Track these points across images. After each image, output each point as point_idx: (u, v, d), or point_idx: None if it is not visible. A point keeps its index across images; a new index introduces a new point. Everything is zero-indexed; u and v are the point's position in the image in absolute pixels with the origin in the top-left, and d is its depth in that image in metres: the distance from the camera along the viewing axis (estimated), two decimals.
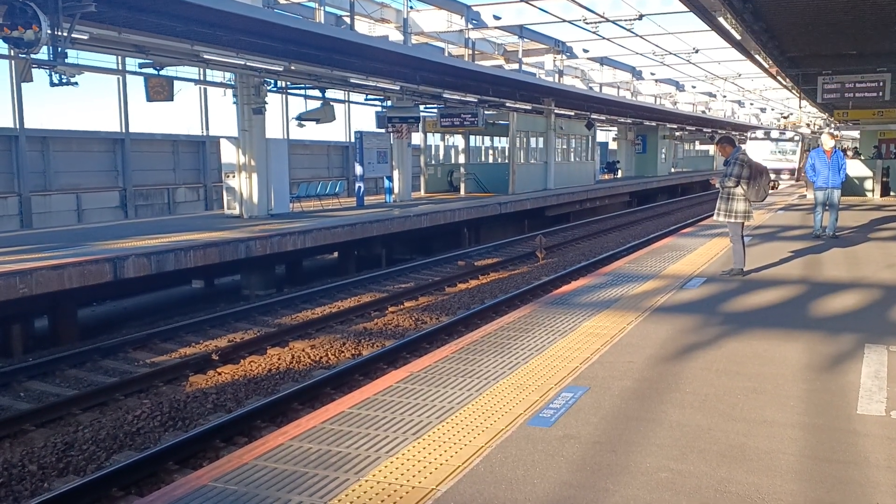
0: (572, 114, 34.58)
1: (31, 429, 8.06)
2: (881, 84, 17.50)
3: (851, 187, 22.51)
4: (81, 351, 10.78)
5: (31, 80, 12.61)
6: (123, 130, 23.40)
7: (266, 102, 18.75)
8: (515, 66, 31.79)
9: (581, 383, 5.47)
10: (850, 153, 29.02)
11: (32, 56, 11.60)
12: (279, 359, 10.54)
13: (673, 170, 49.90)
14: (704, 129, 53.26)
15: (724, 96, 51.79)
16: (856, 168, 23.66)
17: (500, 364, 5.94)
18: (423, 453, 4.25)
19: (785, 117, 45.64)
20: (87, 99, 26.25)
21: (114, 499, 6.45)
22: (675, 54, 32.97)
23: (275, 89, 20.91)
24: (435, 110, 27.22)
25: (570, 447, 4.34)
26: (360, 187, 23.67)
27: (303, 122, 21.80)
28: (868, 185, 24.13)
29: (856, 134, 38.59)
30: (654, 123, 44.63)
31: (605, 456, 4.23)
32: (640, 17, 23.40)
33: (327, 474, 3.99)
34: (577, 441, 4.43)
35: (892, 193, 23.70)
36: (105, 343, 11.17)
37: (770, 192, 10.60)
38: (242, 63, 16.71)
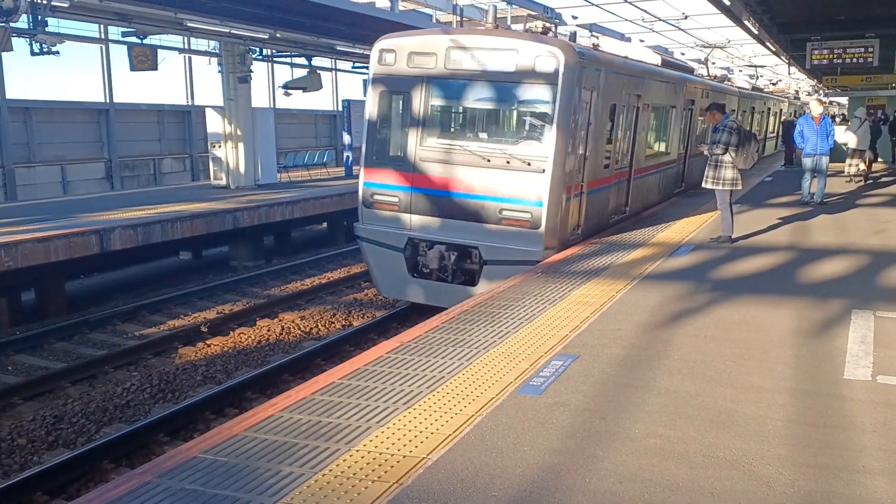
0: None
1: (19, 402, 8.05)
2: (870, 50, 17.44)
3: (840, 154, 22.55)
4: (69, 324, 10.74)
5: (11, 50, 12.38)
6: (108, 101, 23.08)
7: (251, 71, 18.50)
8: None
9: (571, 351, 5.48)
10: (838, 119, 29.00)
11: (11, 25, 11.39)
12: (269, 330, 10.53)
13: None
14: None
15: (714, 63, 51.56)
16: (844, 135, 23.65)
17: (490, 333, 5.94)
18: (413, 423, 4.26)
19: (774, 84, 44.52)
20: (70, 69, 25.85)
21: (104, 471, 6.46)
22: (664, 21, 32.71)
23: (260, 57, 20.62)
24: None
25: (560, 415, 4.35)
26: (348, 157, 23.51)
27: (289, 91, 21.57)
28: None
29: (844, 100, 38.52)
30: None
31: (595, 423, 4.25)
32: None
33: (318, 445, 3.99)
34: (567, 408, 4.44)
35: (880, 160, 23.75)
36: (93, 315, 11.13)
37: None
38: (227, 31, 16.45)
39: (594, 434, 4.10)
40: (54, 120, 21.58)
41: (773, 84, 43.42)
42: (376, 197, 9.96)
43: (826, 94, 37.95)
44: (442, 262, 9.44)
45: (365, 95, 10.18)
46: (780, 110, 32.50)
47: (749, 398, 4.59)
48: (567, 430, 4.15)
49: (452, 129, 10.16)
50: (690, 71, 17.66)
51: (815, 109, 13.72)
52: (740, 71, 46.04)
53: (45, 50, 12.40)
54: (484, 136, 9.81)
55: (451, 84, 9.60)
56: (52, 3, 11.87)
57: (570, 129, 9.19)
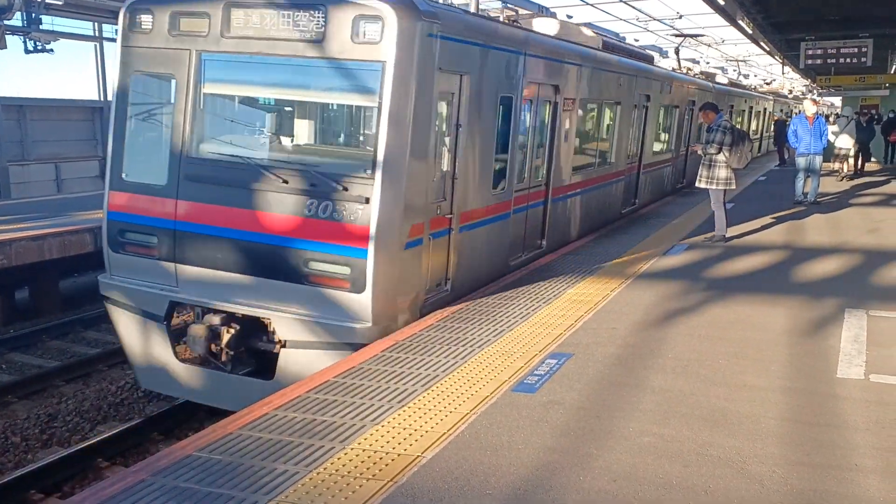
0: None
1: (13, 401, 8.02)
2: (863, 50, 17.50)
3: (833, 153, 22.59)
4: (63, 322, 10.71)
5: (5, 48, 12.36)
6: (102, 98, 23.02)
7: None
8: None
9: (565, 350, 5.49)
10: (831, 119, 29.05)
11: (5, 22, 11.36)
12: None
13: None
14: None
15: (708, 63, 51.68)
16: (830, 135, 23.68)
17: (485, 331, 5.95)
18: (408, 421, 4.26)
19: (768, 83, 44.58)
20: (65, 67, 25.86)
21: (98, 469, 6.44)
22: (658, 20, 32.76)
23: None
24: None
25: (555, 413, 4.36)
26: None
27: None
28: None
29: (837, 101, 38.61)
30: None
31: (589, 421, 4.26)
32: None
33: (312, 443, 4.00)
34: (562, 407, 4.45)
35: (872, 159, 23.81)
36: (87, 314, 11.10)
37: None
38: None
39: (588, 432, 4.11)
40: (48, 118, 21.50)
41: (767, 84, 43.21)
42: (128, 235, 6.74)
43: (820, 94, 38.03)
44: (215, 340, 6.36)
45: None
46: (765, 109, 31.03)
47: (743, 397, 4.61)
48: (561, 429, 4.16)
49: (234, 133, 6.92)
50: (649, 60, 14.06)
51: (809, 109, 13.78)
52: (734, 70, 46.08)
53: (39, 48, 12.38)
54: (285, 143, 6.88)
55: (232, 61, 6.40)
56: (47, 1, 11.85)
57: (416, 134, 5.94)
